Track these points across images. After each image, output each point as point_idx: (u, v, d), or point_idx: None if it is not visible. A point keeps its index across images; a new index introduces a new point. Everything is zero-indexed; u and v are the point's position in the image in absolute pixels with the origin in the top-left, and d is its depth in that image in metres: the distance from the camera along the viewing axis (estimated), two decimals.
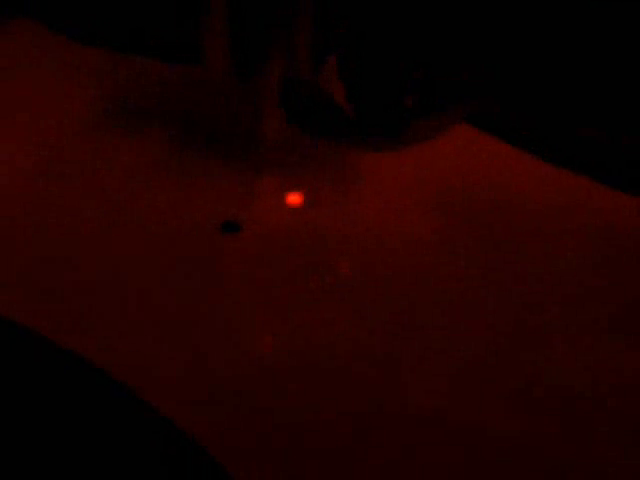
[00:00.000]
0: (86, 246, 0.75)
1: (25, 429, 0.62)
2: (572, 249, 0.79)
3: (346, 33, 0.74)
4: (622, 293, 0.75)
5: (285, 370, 0.68)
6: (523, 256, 0.78)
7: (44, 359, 0.65)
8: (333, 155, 0.85)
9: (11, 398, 0.63)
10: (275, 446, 0.63)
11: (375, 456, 0.64)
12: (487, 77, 0.79)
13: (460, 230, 0.79)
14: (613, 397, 0.68)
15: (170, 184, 0.82)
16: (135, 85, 0.90)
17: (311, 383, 0.67)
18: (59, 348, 0.65)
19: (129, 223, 0.77)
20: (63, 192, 0.79)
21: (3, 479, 0.58)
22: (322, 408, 0.66)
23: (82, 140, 0.84)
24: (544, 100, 0.89)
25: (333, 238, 0.79)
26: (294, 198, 0.83)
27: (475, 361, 0.70)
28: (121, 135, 0.85)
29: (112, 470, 0.60)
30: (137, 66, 0.92)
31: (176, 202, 0.80)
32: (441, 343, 0.71)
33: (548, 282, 0.75)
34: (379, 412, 0.66)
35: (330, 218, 0.81)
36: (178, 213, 0.79)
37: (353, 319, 0.72)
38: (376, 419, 0.66)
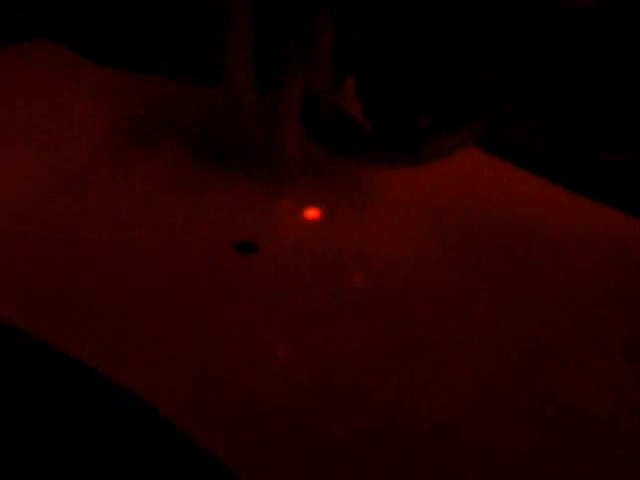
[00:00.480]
0: (98, 265, 0.75)
1: (25, 433, 0.62)
2: (588, 272, 0.79)
3: (364, 49, 0.75)
4: (638, 316, 0.75)
5: (298, 386, 0.68)
6: (537, 276, 0.78)
7: (50, 366, 0.65)
8: (350, 172, 0.85)
9: (10, 399, 0.64)
10: (285, 461, 0.63)
11: (386, 472, 0.64)
12: (504, 95, 0.80)
13: (475, 249, 0.79)
14: (627, 418, 0.68)
15: (185, 202, 0.82)
16: (150, 104, 0.91)
17: (324, 399, 0.67)
18: (67, 357, 0.65)
19: (143, 241, 0.78)
20: (76, 210, 0.80)
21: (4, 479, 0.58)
22: (334, 423, 0.66)
23: (97, 158, 0.85)
24: (562, 124, 0.89)
25: (348, 253, 0.79)
26: (312, 213, 0.83)
27: (488, 378, 0.69)
28: (136, 154, 0.85)
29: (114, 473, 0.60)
30: (152, 86, 0.93)
31: (192, 220, 0.80)
32: (454, 360, 0.71)
33: (562, 302, 0.75)
34: (391, 428, 0.66)
35: (346, 234, 0.81)
36: (194, 231, 0.79)
37: (367, 335, 0.72)
38: (387, 434, 0.66)
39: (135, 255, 0.76)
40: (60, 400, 0.65)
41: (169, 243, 0.78)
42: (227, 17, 0.79)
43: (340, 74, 0.80)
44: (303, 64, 0.77)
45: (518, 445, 0.66)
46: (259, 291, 0.76)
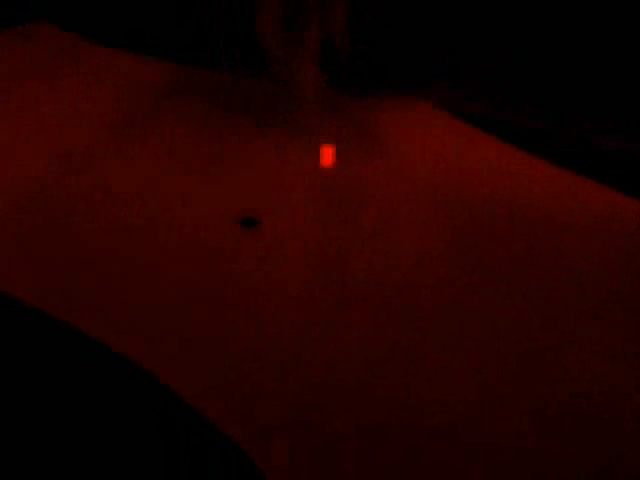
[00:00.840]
0: (106, 244, 0.75)
1: (33, 409, 0.62)
2: (591, 266, 0.78)
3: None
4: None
5: (302, 382, 0.68)
6: (540, 271, 0.77)
7: (63, 342, 0.65)
8: (366, 114, 0.86)
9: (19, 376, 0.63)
10: (291, 455, 0.63)
11: (388, 470, 0.64)
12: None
13: (476, 242, 0.79)
14: (628, 418, 0.68)
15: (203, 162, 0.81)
16: (150, 84, 0.90)
17: (328, 395, 0.67)
18: (78, 332, 0.64)
19: (151, 217, 0.77)
20: (84, 190, 0.79)
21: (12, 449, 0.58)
22: (337, 419, 0.66)
23: (100, 143, 0.84)
24: (562, 109, 0.89)
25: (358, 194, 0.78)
26: (328, 153, 0.84)
27: (489, 379, 0.69)
28: (140, 130, 0.84)
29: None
30: (156, 66, 0.93)
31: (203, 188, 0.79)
32: (455, 358, 0.70)
33: (564, 299, 0.75)
34: (393, 426, 0.66)
35: (357, 175, 0.80)
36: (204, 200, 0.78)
37: (369, 332, 0.72)
38: (390, 433, 0.66)
39: (141, 228, 0.76)
40: (62, 368, 0.64)
41: (184, 211, 0.77)
42: None
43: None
44: (320, 13, 0.82)
45: (520, 445, 0.65)
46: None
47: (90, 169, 0.81)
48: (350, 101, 0.87)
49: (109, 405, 0.63)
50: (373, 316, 0.70)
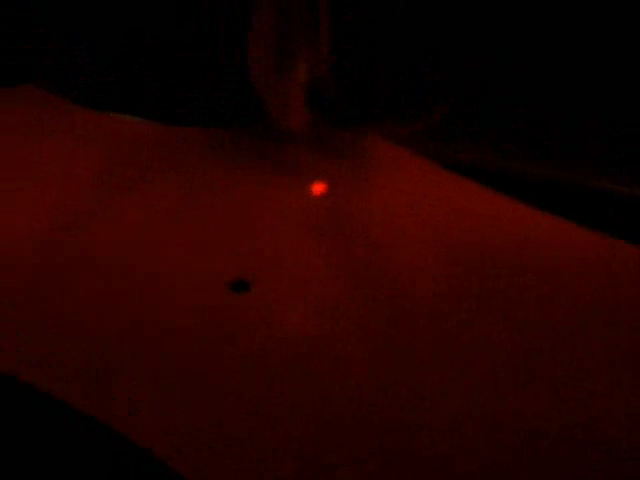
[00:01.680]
0: (96, 307, 0.74)
1: None
2: (586, 302, 0.77)
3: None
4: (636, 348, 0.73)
5: (291, 416, 0.68)
6: (534, 305, 0.76)
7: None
8: (354, 146, 0.87)
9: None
10: None
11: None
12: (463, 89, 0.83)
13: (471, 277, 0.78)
14: (623, 450, 0.67)
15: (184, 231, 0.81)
16: (140, 145, 0.90)
17: (319, 427, 0.67)
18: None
19: (139, 282, 0.76)
20: (68, 254, 0.78)
21: None
22: (327, 450, 0.66)
23: (88, 202, 0.83)
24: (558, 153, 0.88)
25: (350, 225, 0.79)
26: (318, 187, 0.84)
27: (480, 408, 0.69)
28: (128, 194, 0.84)
29: None
30: (141, 128, 0.92)
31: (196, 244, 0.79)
32: (446, 387, 0.70)
33: (559, 332, 0.74)
34: (381, 454, 0.66)
35: (349, 207, 0.81)
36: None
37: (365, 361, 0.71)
38: (379, 462, 0.66)
39: (129, 291, 0.75)
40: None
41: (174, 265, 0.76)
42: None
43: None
44: (306, 49, 0.83)
45: (512, 478, 0.66)
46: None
47: (76, 230, 0.80)
48: (339, 136, 0.87)
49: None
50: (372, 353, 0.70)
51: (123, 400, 0.66)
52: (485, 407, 0.68)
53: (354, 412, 0.67)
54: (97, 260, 0.76)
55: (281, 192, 0.84)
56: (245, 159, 0.85)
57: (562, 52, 0.90)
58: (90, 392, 0.67)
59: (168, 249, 0.78)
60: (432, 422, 0.67)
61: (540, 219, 0.82)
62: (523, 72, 0.90)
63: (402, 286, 0.76)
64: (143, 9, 0.95)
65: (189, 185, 0.83)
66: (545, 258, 0.79)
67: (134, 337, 0.70)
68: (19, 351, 0.69)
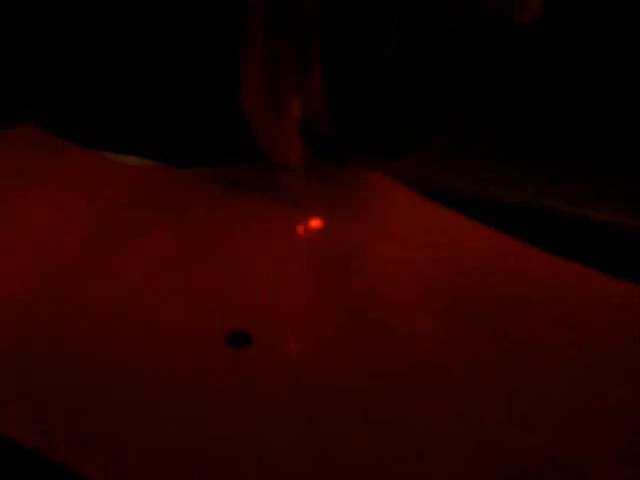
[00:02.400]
0: (93, 359, 0.74)
1: None
2: (585, 341, 0.76)
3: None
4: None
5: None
6: (532, 345, 0.76)
7: None
8: (349, 180, 0.88)
9: None
10: None
11: None
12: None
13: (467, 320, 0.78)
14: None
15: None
16: (142, 188, 0.90)
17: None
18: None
19: (134, 337, 0.76)
20: (68, 304, 0.78)
21: None
22: None
23: (86, 248, 0.83)
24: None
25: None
26: (314, 222, 0.85)
27: (477, 451, 0.69)
28: (128, 239, 0.84)
29: None
30: (138, 169, 0.93)
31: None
32: (442, 433, 0.70)
33: (557, 374, 0.73)
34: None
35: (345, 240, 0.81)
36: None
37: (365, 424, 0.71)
38: None
39: (124, 341, 0.75)
40: None
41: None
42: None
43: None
44: (298, 86, 0.84)
45: None
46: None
47: (71, 278, 0.80)
48: (332, 170, 0.87)
49: None
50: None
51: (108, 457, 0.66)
52: (480, 449, 0.68)
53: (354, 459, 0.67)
54: (94, 308, 0.76)
55: (278, 228, 0.84)
56: (239, 197, 0.86)
57: (551, 86, 0.90)
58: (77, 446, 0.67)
59: (167, 298, 0.78)
60: (424, 469, 0.67)
61: (537, 256, 0.81)
62: (510, 108, 0.91)
63: (399, 324, 0.76)
64: (138, 50, 0.95)
65: (188, 227, 0.83)
66: (546, 297, 0.78)
67: (129, 392, 0.70)
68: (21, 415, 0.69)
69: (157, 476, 0.65)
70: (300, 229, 0.85)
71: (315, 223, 0.85)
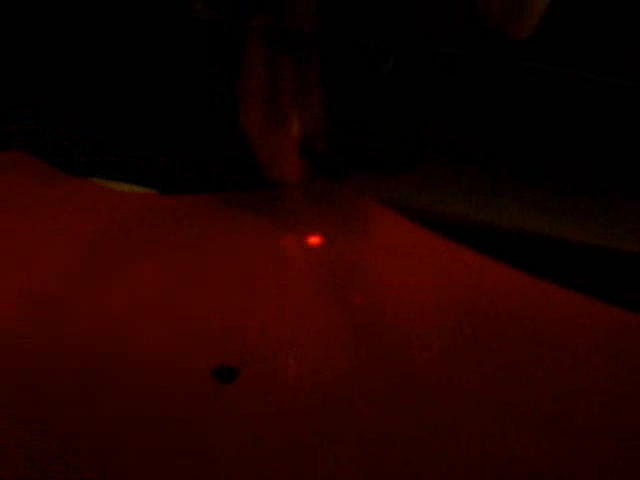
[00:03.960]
0: (77, 390, 0.72)
1: None
2: (572, 361, 0.77)
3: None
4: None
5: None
6: (522, 367, 0.76)
7: None
8: (348, 198, 0.88)
9: None
10: None
11: None
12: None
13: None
14: None
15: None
16: (129, 215, 0.88)
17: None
18: None
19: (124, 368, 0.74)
20: (54, 328, 0.76)
21: None
22: None
23: (69, 278, 0.81)
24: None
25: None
26: (314, 239, 0.85)
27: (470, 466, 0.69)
28: (117, 268, 0.82)
29: None
30: (127, 196, 0.91)
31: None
32: (451, 448, 0.70)
33: (557, 403, 0.74)
34: None
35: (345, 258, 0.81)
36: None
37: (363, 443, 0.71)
38: None
39: (114, 372, 0.73)
40: None
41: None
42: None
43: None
44: (299, 106, 0.84)
45: None
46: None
47: (60, 312, 0.78)
48: (331, 189, 0.88)
49: None
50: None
51: None
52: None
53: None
54: (76, 340, 0.74)
55: (279, 248, 0.84)
56: (230, 223, 0.84)
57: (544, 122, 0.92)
58: None
59: (153, 330, 0.76)
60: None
61: (538, 287, 0.81)
62: (502, 132, 0.92)
63: (397, 346, 0.76)
64: (131, 76, 0.94)
65: (176, 255, 0.81)
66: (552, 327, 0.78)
67: (114, 424, 0.69)
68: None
69: None
70: (296, 251, 0.84)
71: (313, 241, 0.85)
